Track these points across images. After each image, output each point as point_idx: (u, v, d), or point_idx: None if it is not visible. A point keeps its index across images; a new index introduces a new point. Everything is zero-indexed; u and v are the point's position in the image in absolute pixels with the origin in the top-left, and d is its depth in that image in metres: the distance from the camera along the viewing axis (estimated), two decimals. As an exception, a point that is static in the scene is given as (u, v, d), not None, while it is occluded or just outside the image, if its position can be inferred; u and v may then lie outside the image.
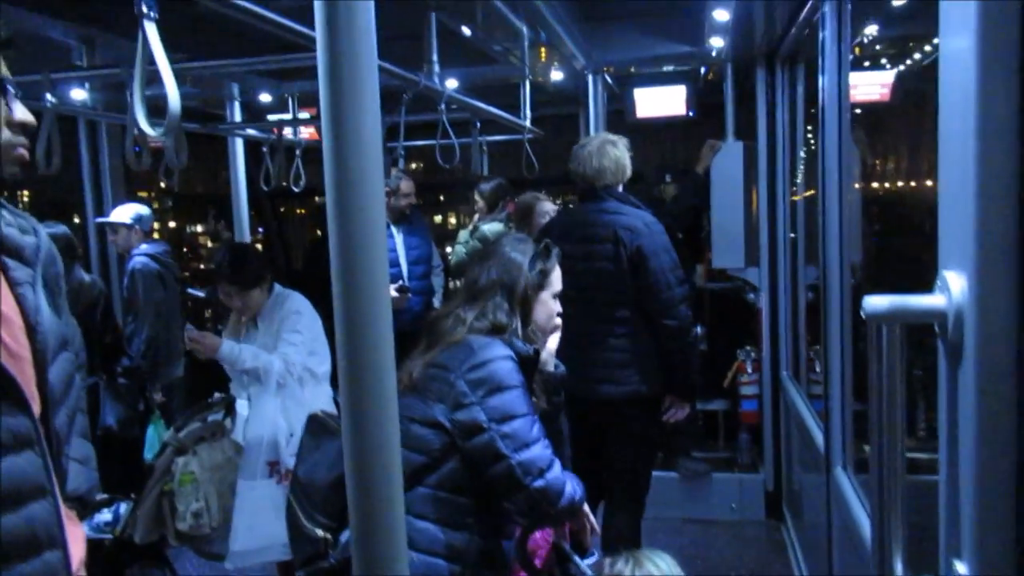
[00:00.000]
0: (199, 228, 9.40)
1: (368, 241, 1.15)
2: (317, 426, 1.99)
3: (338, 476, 1.75)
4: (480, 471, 1.79)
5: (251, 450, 2.93)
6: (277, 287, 3.24)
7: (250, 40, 2.30)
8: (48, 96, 2.27)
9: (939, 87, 1.05)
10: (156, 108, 1.32)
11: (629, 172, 3.28)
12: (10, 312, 1.16)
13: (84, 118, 4.45)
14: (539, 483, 1.78)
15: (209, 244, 8.99)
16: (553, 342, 2.09)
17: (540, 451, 1.78)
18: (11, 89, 1.16)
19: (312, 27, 1.09)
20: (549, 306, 2.05)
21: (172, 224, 9.35)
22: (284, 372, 2.99)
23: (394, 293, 4.42)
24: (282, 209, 7.45)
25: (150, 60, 1.29)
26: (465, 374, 1.79)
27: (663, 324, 3.09)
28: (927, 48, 3.27)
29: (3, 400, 1.08)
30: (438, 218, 9.42)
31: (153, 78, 1.29)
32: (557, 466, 1.82)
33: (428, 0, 2.72)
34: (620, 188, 3.26)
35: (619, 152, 3.22)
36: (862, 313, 1.02)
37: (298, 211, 8.97)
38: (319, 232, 8.94)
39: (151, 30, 1.24)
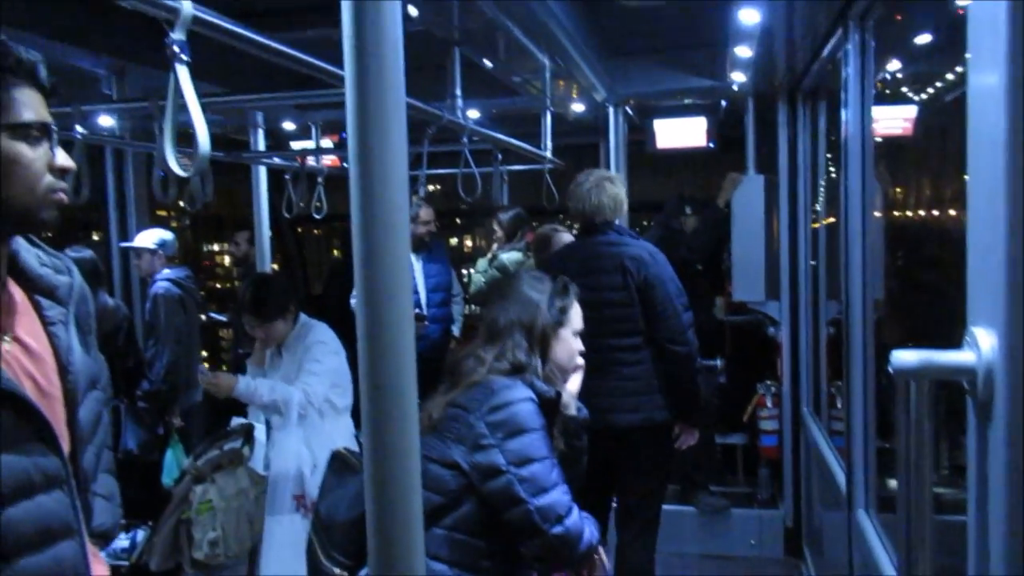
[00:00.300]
0: (215, 247, 9.45)
1: (393, 279, 1.16)
2: (340, 463, 1.99)
3: (358, 515, 1.74)
4: (497, 514, 1.78)
5: (276, 484, 2.93)
6: (303, 317, 3.23)
7: (277, 69, 2.34)
8: (78, 128, 2.31)
9: (967, 129, 1.04)
10: (183, 134, 1.33)
11: (626, 207, 3.34)
12: (43, 351, 1.18)
13: (112, 147, 4.51)
14: (557, 529, 1.76)
15: (226, 262, 9.03)
16: (575, 383, 2.08)
17: (558, 496, 1.77)
18: (55, 134, 1.18)
19: (335, 60, 1.10)
20: (570, 344, 2.04)
21: (189, 240, 9.39)
22: (305, 403, 2.98)
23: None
24: (299, 229, 7.49)
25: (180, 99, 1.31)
26: (485, 415, 1.78)
27: (672, 350, 3.12)
28: (949, 77, 3.26)
29: (35, 440, 1.10)
30: (454, 240, 9.44)
31: (180, 106, 1.31)
32: (575, 512, 1.80)
33: (452, 35, 2.75)
34: (617, 222, 3.31)
35: (616, 188, 3.27)
36: (890, 368, 1.00)
37: (315, 231, 9.01)
38: (335, 252, 9.01)
39: (183, 73, 1.25)
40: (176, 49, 1.26)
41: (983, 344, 0.96)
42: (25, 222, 1.17)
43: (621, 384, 3.13)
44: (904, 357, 1.00)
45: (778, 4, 2.74)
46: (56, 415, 1.17)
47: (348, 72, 1.15)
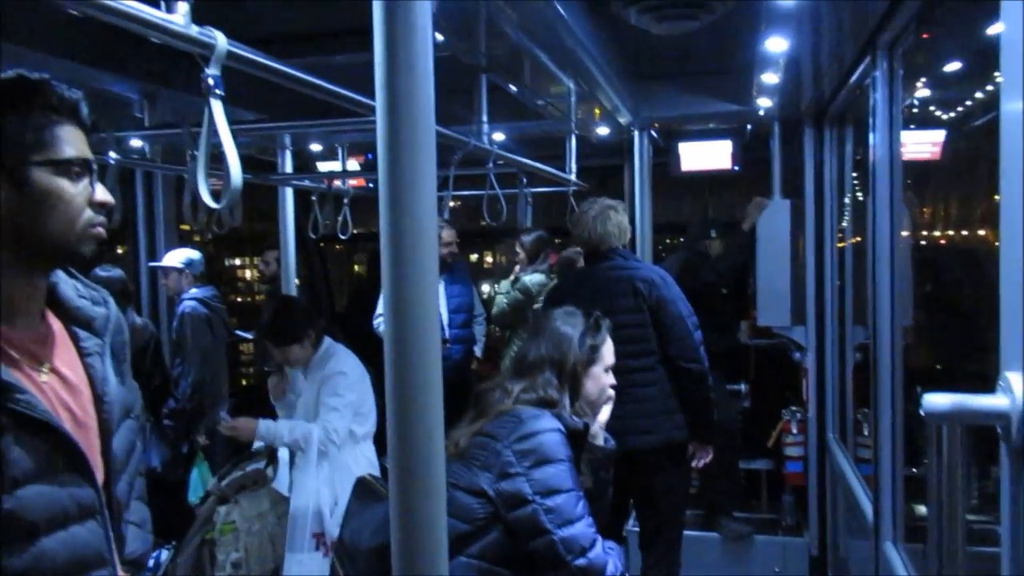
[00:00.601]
0: (237, 261, 9.51)
1: (421, 308, 1.17)
2: (364, 489, 1.99)
3: (381, 543, 1.75)
4: (522, 544, 1.78)
5: (296, 521, 2.93)
6: (327, 342, 3.22)
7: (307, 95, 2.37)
8: (111, 153, 2.35)
9: (1000, 164, 1.03)
10: (213, 155, 1.35)
11: (629, 233, 3.43)
12: (79, 382, 1.20)
13: (142, 169, 4.58)
14: (581, 562, 1.76)
15: (247, 275, 9.08)
16: (604, 414, 2.08)
17: (583, 529, 1.76)
18: (95, 169, 1.21)
19: (363, 85, 1.12)
20: (601, 380, 2.05)
21: (211, 252, 9.43)
22: (325, 440, 2.97)
23: None
24: (322, 244, 7.54)
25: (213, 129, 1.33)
26: (513, 444, 1.78)
27: (686, 368, 3.18)
28: (979, 98, 3.23)
29: (71, 471, 1.11)
30: (474, 256, 9.45)
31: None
32: (600, 544, 1.80)
33: (479, 62, 2.77)
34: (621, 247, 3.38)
35: (620, 217, 3.37)
36: (922, 412, 0.99)
37: (337, 247, 9.04)
38: (356, 268, 9.05)
39: (217, 107, 1.27)
40: (211, 83, 1.28)
41: (1017, 389, 0.95)
42: (65, 256, 1.20)
43: (637, 406, 3.16)
44: (936, 401, 0.99)
45: (805, 33, 2.74)
46: (91, 445, 1.19)
47: (379, 103, 1.17)
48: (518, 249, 5.10)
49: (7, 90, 1.14)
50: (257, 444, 3.25)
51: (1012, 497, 0.99)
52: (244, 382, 7.33)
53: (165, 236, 5.06)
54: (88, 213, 1.19)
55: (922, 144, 3.57)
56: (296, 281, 4.72)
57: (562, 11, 2.47)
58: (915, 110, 3.36)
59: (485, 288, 7.79)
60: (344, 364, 3.14)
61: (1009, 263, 1.00)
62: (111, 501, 1.22)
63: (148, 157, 3.10)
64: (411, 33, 1.13)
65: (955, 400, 0.99)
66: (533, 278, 4.78)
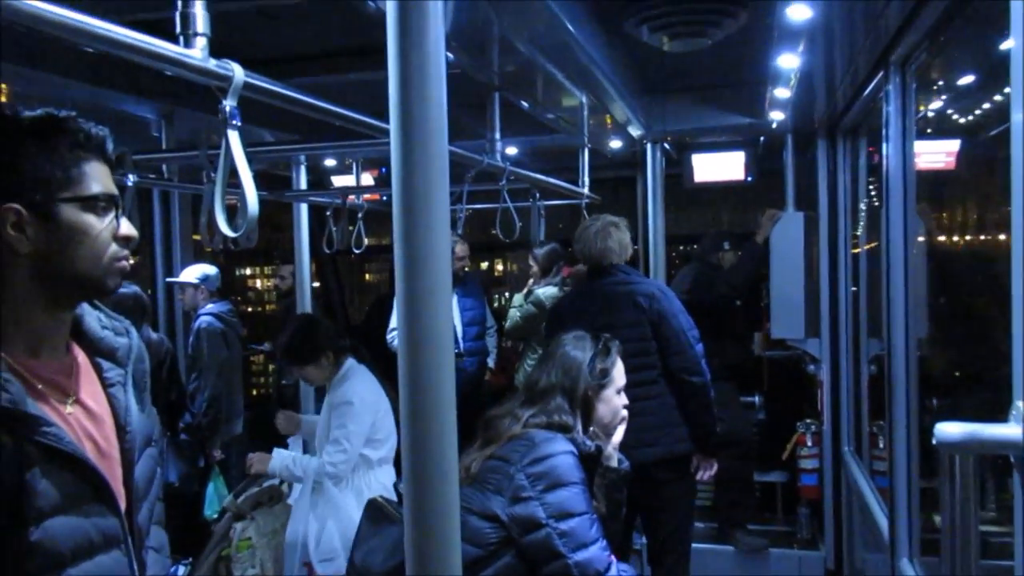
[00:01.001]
0: (248, 271, 9.56)
1: (435, 325, 1.18)
2: (376, 512, 2.00)
3: (394, 566, 1.76)
4: (536, 568, 1.78)
5: (288, 550, 2.95)
6: (348, 362, 3.16)
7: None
8: (129, 175, 2.38)
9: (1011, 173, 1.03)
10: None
11: (631, 250, 3.45)
12: (103, 413, 1.22)
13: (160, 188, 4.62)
14: None
15: (258, 285, 9.12)
16: (618, 435, 2.08)
17: (597, 552, 1.77)
18: (120, 204, 1.23)
19: (376, 103, 1.13)
20: (613, 403, 2.05)
21: (222, 263, 9.45)
22: (321, 473, 2.95)
23: None
24: (335, 257, 7.57)
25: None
26: (525, 467, 1.79)
27: (689, 381, 3.20)
28: (986, 106, 3.23)
29: (95, 501, 1.14)
30: (484, 264, 9.45)
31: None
32: (614, 567, 1.80)
33: (492, 80, 2.79)
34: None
35: (622, 234, 3.40)
36: (934, 441, 1.00)
37: (350, 256, 9.06)
38: (367, 277, 9.08)
39: (234, 138, 1.29)
40: (228, 114, 1.30)
41: (1030, 419, 0.95)
42: (91, 289, 1.23)
43: (640, 420, 3.13)
44: (948, 430, 0.99)
45: (818, 49, 2.74)
46: (114, 475, 1.21)
47: (393, 126, 1.18)
48: (531, 262, 5.11)
49: (35, 127, 1.17)
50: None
51: (1026, 526, 0.99)
52: (254, 392, 7.37)
53: (181, 251, 5.11)
54: (113, 247, 1.21)
55: (936, 154, 3.57)
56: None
57: (573, 29, 2.49)
58: (929, 120, 3.37)
59: (496, 298, 7.80)
60: (353, 392, 3.06)
61: (1021, 294, 1.00)
62: (133, 529, 1.24)
63: (166, 177, 3.13)
64: (424, 55, 1.15)
65: (967, 429, 0.99)
66: (546, 291, 4.78)
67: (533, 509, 1.76)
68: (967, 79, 3.21)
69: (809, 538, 4.54)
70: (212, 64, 1.25)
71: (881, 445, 3.50)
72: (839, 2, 2.31)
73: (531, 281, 5.11)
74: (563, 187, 3.75)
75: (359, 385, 3.11)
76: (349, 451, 2.97)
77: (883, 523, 2.93)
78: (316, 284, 6.83)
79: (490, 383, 5.32)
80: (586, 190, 3.99)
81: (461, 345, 4.81)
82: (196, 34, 1.22)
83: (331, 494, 2.96)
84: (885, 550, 2.81)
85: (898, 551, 2.65)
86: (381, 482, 3.09)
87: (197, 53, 1.22)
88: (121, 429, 1.24)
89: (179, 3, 1.21)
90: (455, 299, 4.85)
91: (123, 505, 1.21)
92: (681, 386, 3.21)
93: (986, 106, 3.11)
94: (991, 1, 1.84)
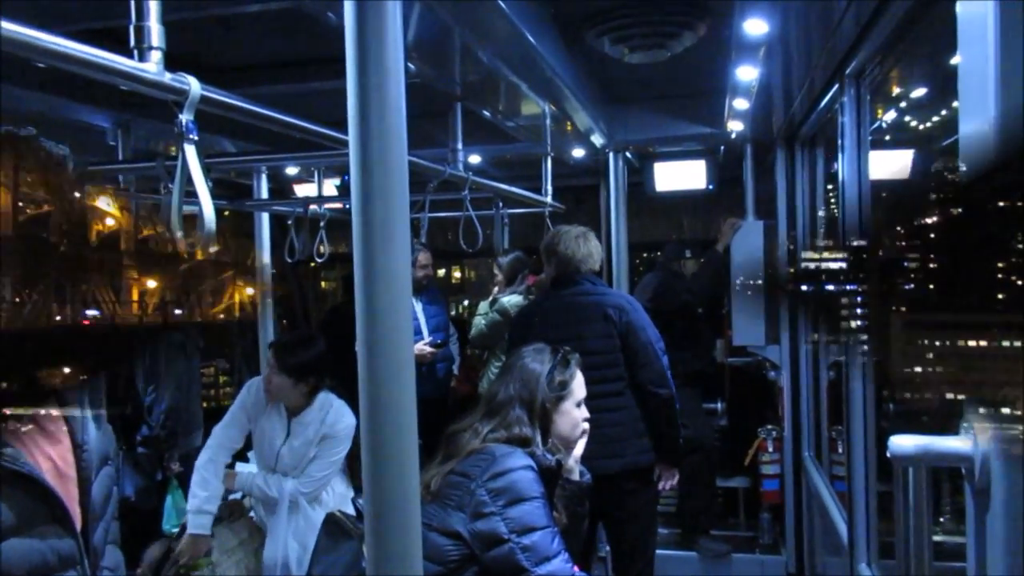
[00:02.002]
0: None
1: (395, 344, 1.17)
2: (334, 527, 1.98)
3: (355, 582, 1.74)
4: None
5: (267, 570, 2.89)
6: (329, 398, 3.10)
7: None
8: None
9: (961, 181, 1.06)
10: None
11: (601, 260, 3.53)
12: (59, 432, 1.20)
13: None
14: None
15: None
16: (579, 448, 2.08)
17: (560, 565, 1.77)
18: None
19: (337, 112, 1.12)
20: (573, 415, 2.05)
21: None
22: (297, 493, 2.90)
23: (429, 349, 4.59)
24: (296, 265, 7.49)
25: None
26: (486, 483, 1.78)
27: (656, 393, 3.24)
28: (937, 118, 3.29)
29: (51, 522, 1.12)
30: (442, 271, 9.40)
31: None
32: (578, 580, 1.80)
33: (454, 91, 2.79)
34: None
35: (595, 243, 3.46)
36: (888, 454, 1.02)
37: (311, 263, 8.95)
38: (324, 285, 9.00)
39: (190, 152, 1.28)
40: (184, 129, 1.29)
41: (980, 433, 0.97)
42: None
43: (604, 431, 3.16)
44: (902, 442, 1.01)
45: (775, 62, 2.79)
46: (70, 495, 1.19)
47: (352, 137, 1.18)
48: (496, 271, 5.10)
49: None
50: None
51: (976, 535, 1.01)
52: (205, 404, 7.24)
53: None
54: None
55: (890, 164, 3.64)
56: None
57: (534, 40, 2.50)
58: (884, 137, 3.43)
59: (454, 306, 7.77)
60: (340, 425, 3.03)
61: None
62: (88, 548, 1.21)
63: (122, 186, 3.08)
64: (383, 66, 1.14)
65: (920, 442, 1.01)
66: (511, 299, 4.77)
67: (495, 524, 1.75)
68: (919, 91, 3.28)
69: (771, 543, 4.59)
70: (167, 78, 1.23)
71: (840, 450, 3.56)
72: (795, 17, 2.35)
73: (496, 289, 5.11)
74: (527, 196, 3.75)
75: (343, 417, 3.06)
76: (328, 477, 2.96)
77: (842, 528, 2.97)
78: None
79: (455, 390, 5.31)
80: (549, 199, 4.00)
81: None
82: (151, 48, 1.20)
83: (307, 513, 2.90)
84: (844, 554, 2.85)
85: (857, 555, 2.70)
86: (338, 491, 3.03)
87: (152, 67, 1.20)
88: (78, 447, 1.22)
89: (133, 16, 1.19)
90: (420, 307, 4.84)
91: (79, 525, 1.19)
92: (648, 398, 3.24)
93: (935, 119, 3.18)
94: (941, 17, 1.88)
